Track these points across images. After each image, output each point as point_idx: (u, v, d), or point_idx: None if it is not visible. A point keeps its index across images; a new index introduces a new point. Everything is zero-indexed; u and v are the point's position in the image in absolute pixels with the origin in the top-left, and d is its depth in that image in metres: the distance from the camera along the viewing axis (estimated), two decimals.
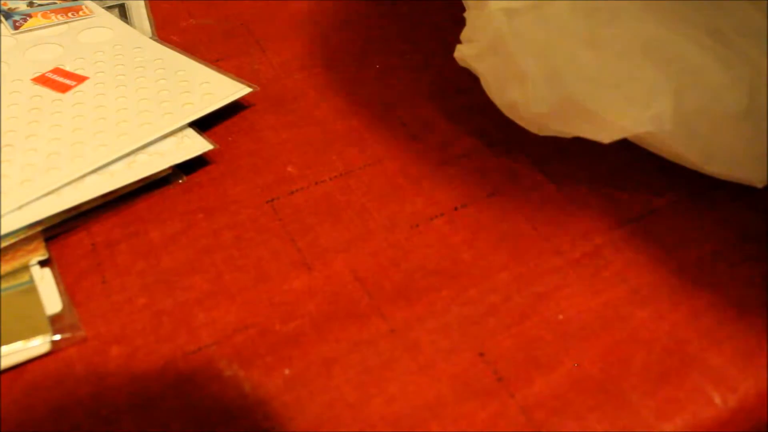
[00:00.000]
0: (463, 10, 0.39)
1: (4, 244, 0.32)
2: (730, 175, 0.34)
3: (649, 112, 0.32)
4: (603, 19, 0.32)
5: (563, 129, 0.34)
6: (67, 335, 0.30)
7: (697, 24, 0.31)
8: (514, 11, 0.34)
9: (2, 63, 0.42)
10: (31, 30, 0.45)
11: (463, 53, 0.38)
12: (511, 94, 0.36)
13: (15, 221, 0.33)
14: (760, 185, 0.34)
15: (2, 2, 0.48)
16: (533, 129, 0.36)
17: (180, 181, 0.37)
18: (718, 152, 0.33)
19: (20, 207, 0.33)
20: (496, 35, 0.35)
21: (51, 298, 0.31)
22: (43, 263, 0.33)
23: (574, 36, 0.33)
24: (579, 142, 0.39)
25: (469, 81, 0.39)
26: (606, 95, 0.32)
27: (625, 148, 0.37)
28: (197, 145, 0.37)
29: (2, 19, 0.46)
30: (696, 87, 0.31)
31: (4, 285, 0.32)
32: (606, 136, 0.33)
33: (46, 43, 0.45)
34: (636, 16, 0.32)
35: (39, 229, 0.33)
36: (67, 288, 0.32)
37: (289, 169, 0.38)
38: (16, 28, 0.45)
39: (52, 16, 0.47)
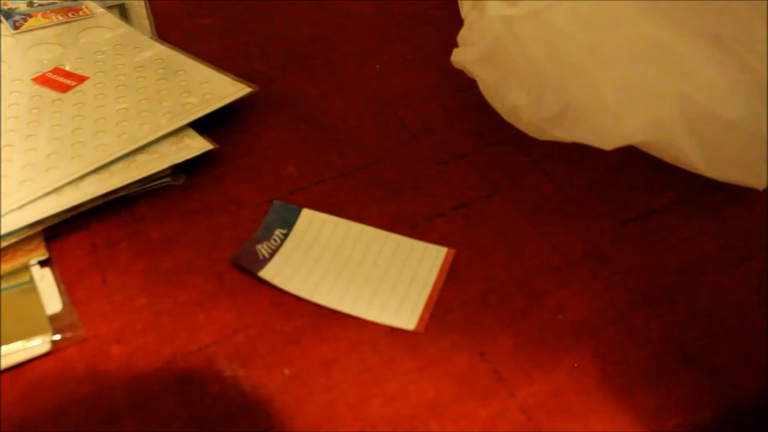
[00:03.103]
0: None
1: (4, 244, 0.32)
2: (731, 179, 0.34)
3: (653, 119, 0.32)
4: (604, 25, 0.32)
5: (564, 135, 0.34)
6: (67, 335, 0.30)
7: (698, 31, 0.32)
8: (514, 18, 0.34)
9: (2, 63, 0.42)
10: (31, 30, 0.45)
11: (461, 58, 0.38)
12: (511, 100, 0.36)
13: (15, 221, 0.33)
14: (760, 188, 0.34)
15: (2, 2, 0.48)
16: (534, 134, 0.36)
17: (180, 181, 0.37)
18: (719, 157, 0.33)
19: (20, 207, 0.33)
20: (495, 41, 0.35)
21: (51, 298, 0.31)
22: (43, 263, 0.33)
23: (575, 42, 0.33)
24: (579, 143, 0.39)
25: (469, 81, 0.39)
26: (608, 102, 0.32)
27: (625, 148, 0.37)
28: (197, 145, 0.37)
29: (2, 19, 0.46)
30: (697, 93, 0.32)
31: (4, 285, 0.32)
32: (608, 143, 0.33)
33: (46, 43, 0.45)
34: (637, 23, 0.32)
35: (39, 229, 0.33)
36: (67, 288, 0.32)
37: (289, 168, 0.38)
38: (16, 28, 0.45)
39: (52, 16, 0.47)
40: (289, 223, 0.35)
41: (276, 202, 0.36)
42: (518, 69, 0.34)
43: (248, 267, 0.32)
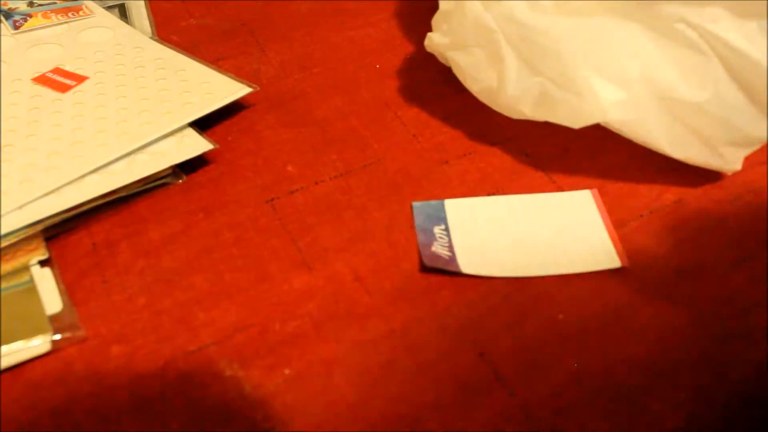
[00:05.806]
0: None
1: (4, 244, 0.32)
2: (698, 161, 0.35)
3: (618, 99, 0.33)
4: (572, 9, 0.34)
5: (536, 114, 0.36)
6: (67, 335, 0.30)
7: (663, 15, 0.32)
8: (490, 5, 0.35)
9: (2, 63, 0.42)
10: (31, 30, 0.45)
11: (435, 42, 0.40)
12: (485, 81, 0.37)
13: (15, 221, 0.33)
14: (730, 172, 0.36)
15: (2, 2, 0.48)
16: (508, 113, 0.37)
17: (180, 181, 0.37)
18: (684, 138, 0.34)
19: (20, 207, 0.33)
20: (473, 24, 0.36)
21: (51, 298, 0.31)
22: (43, 263, 0.33)
23: (550, 27, 0.34)
24: (579, 141, 0.40)
25: None
26: (578, 83, 0.34)
27: (625, 147, 0.37)
28: (197, 144, 0.37)
29: (2, 19, 0.46)
30: (661, 76, 0.33)
31: (4, 285, 0.32)
32: (577, 122, 0.35)
33: (46, 43, 0.45)
34: (606, 7, 0.33)
35: (39, 229, 0.33)
36: (67, 288, 0.32)
37: (289, 168, 0.38)
38: (16, 28, 0.45)
39: (52, 16, 0.47)
40: (440, 218, 0.35)
41: (415, 204, 0.36)
42: (496, 50, 0.36)
43: (447, 268, 0.33)
